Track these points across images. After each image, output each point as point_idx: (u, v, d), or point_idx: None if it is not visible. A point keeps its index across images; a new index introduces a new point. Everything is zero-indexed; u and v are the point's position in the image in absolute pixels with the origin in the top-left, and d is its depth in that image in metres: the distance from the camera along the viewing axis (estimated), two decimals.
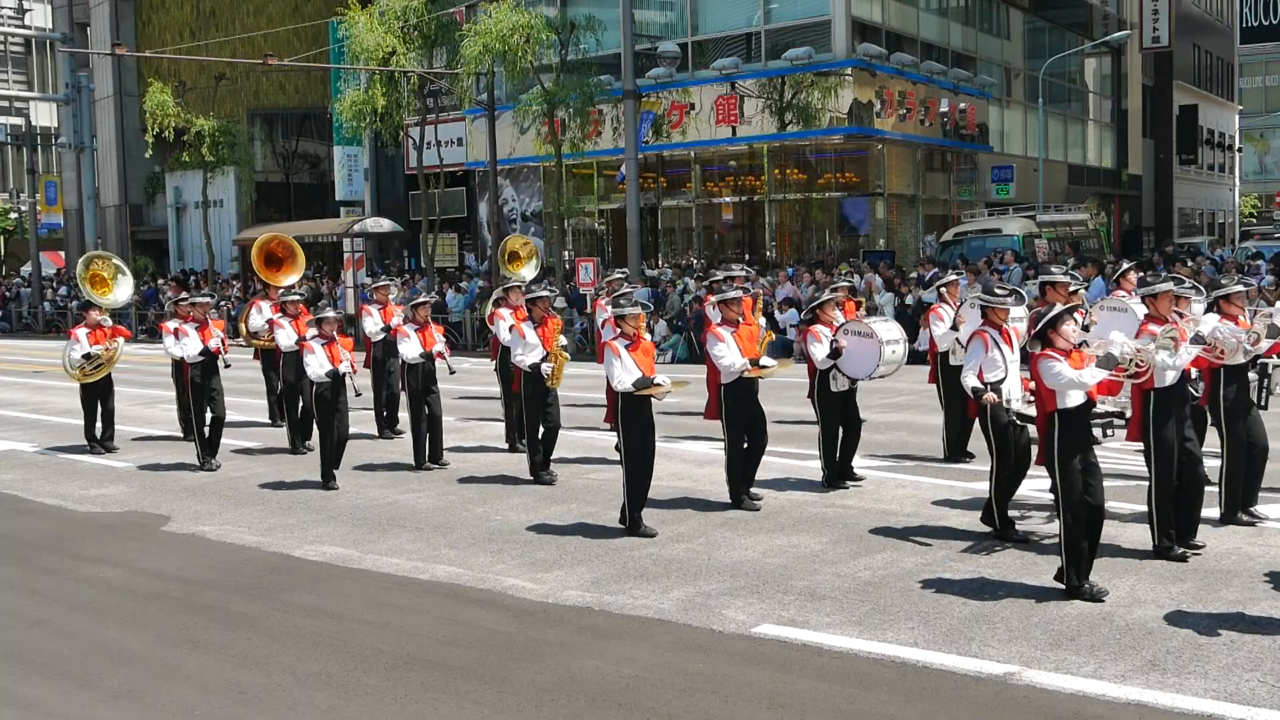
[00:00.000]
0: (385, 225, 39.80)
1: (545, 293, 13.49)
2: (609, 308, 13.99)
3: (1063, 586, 8.33)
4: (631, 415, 10.52)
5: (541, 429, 12.91)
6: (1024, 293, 13.10)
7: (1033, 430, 9.98)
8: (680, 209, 36.51)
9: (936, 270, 26.38)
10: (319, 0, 42.93)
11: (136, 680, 7.51)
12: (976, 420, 10.22)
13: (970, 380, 9.68)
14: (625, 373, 10.37)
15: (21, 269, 53.59)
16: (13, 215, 60.14)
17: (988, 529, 10.07)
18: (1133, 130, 50.36)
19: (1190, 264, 24.75)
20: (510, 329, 13.50)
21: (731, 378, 11.16)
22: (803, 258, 31.87)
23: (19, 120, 56.13)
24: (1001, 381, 9.61)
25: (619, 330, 10.77)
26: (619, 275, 16.82)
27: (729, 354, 11.05)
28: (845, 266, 28.14)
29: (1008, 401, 9.60)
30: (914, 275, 25.76)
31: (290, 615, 8.74)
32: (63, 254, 54.31)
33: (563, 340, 12.93)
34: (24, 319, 44.65)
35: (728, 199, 35.73)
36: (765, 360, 11.51)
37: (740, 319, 11.46)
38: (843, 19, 31.74)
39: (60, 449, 16.36)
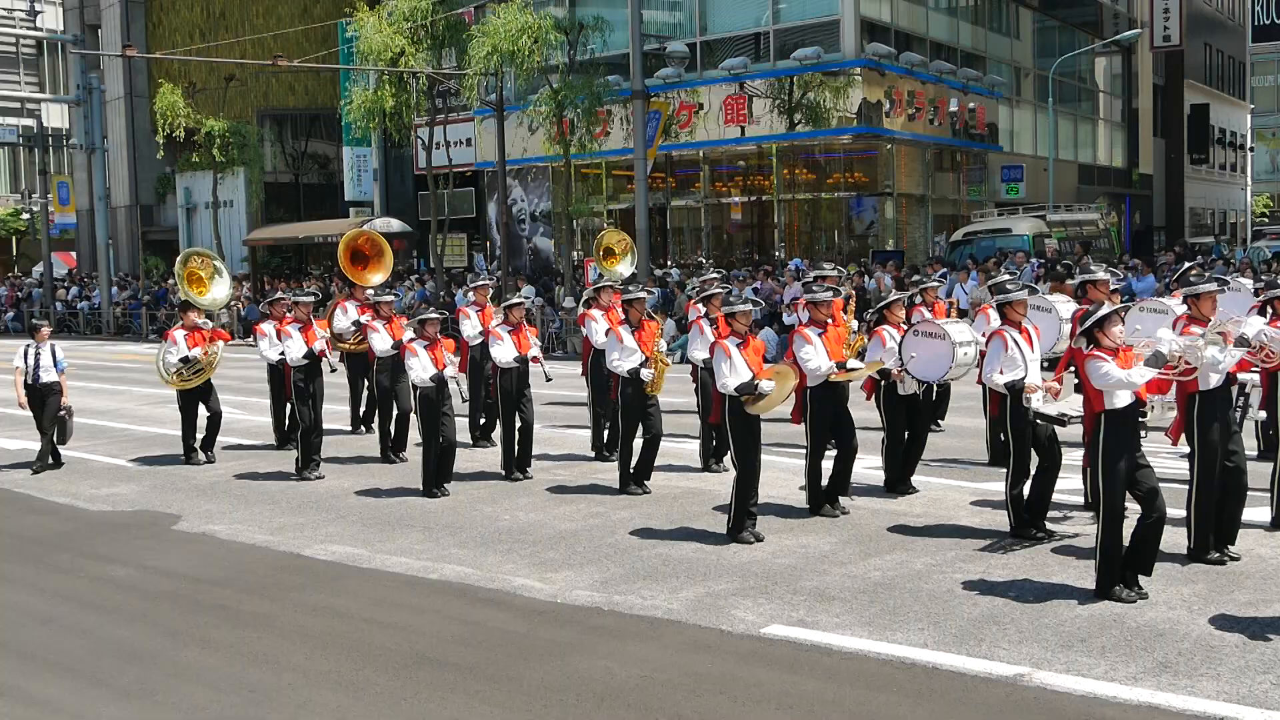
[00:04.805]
0: (394, 225, 39.83)
1: (642, 294, 12.79)
2: (700, 307, 13.75)
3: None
4: (740, 418, 10.13)
5: (642, 437, 12.37)
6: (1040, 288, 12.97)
7: (1056, 429, 9.97)
8: (689, 209, 36.52)
9: (945, 270, 26.41)
10: (328, 1, 43.04)
11: (147, 678, 7.52)
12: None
13: (999, 378, 9.67)
14: (734, 375, 9.99)
15: (33, 269, 53.72)
16: (24, 216, 60.25)
17: (1005, 529, 10.04)
18: (1143, 129, 50.26)
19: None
20: (607, 332, 12.93)
21: (817, 380, 10.83)
22: (812, 257, 31.85)
23: (31, 121, 56.26)
24: (1021, 380, 9.62)
25: (730, 329, 10.29)
26: (713, 275, 16.18)
27: (815, 356, 10.71)
28: (854, 266, 28.09)
29: (1027, 400, 9.57)
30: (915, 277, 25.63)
31: (300, 614, 8.75)
32: (74, 254, 54.46)
33: (662, 345, 12.43)
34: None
35: (736, 199, 35.75)
36: (852, 363, 11.11)
37: (829, 321, 11.11)
38: (851, 18, 31.74)
39: (72, 448, 16.38)
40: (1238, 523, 9.17)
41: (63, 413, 14.88)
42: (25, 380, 14.75)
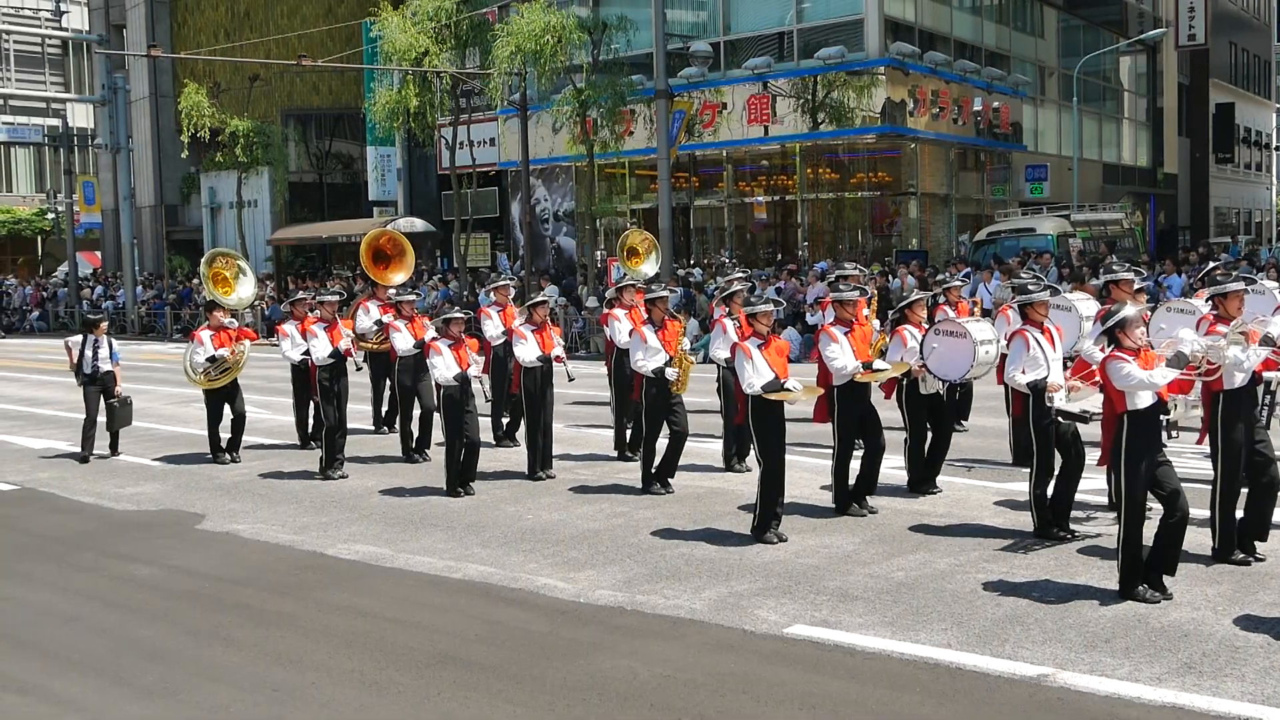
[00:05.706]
0: (418, 225, 39.88)
1: (665, 293, 12.79)
2: (724, 306, 13.77)
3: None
4: (764, 418, 10.16)
5: (668, 435, 12.32)
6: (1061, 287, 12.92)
7: (1078, 428, 9.93)
8: (713, 208, 36.49)
9: (969, 270, 26.29)
10: (352, 1, 43.15)
11: (170, 678, 7.55)
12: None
13: (1022, 378, 9.66)
14: (757, 375, 9.99)
15: (58, 269, 54.09)
16: (50, 216, 60.74)
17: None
18: (1168, 129, 49.98)
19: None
20: (630, 332, 12.87)
21: (843, 380, 10.82)
22: (835, 257, 31.76)
23: (56, 121, 56.72)
24: (1044, 379, 9.62)
25: (752, 329, 10.28)
26: (738, 275, 16.11)
27: (841, 356, 10.71)
28: (878, 266, 28.02)
29: (1050, 399, 9.55)
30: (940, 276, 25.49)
31: (323, 614, 8.77)
32: (99, 254, 54.82)
33: (686, 344, 12.41)
34: (60, 319, 45.08)
35: (760, 198, 35.68)
36: (878, 363, 11.11)
37: (854, 320, 11.10)
38: (875, 18, 31.66)
39: (98, 447, 16.44)
40: (1269, 521, 9.10)
41: (113, 401, 15.61)
42: (83, 370, 15.63)
